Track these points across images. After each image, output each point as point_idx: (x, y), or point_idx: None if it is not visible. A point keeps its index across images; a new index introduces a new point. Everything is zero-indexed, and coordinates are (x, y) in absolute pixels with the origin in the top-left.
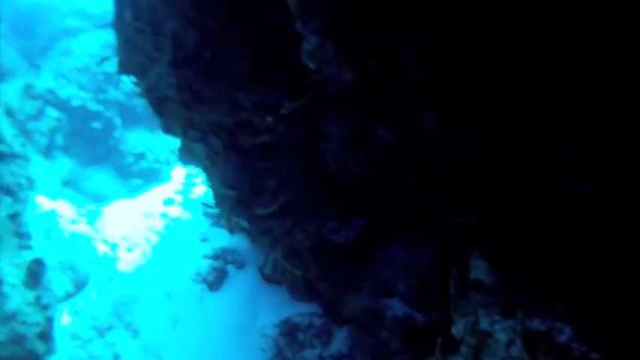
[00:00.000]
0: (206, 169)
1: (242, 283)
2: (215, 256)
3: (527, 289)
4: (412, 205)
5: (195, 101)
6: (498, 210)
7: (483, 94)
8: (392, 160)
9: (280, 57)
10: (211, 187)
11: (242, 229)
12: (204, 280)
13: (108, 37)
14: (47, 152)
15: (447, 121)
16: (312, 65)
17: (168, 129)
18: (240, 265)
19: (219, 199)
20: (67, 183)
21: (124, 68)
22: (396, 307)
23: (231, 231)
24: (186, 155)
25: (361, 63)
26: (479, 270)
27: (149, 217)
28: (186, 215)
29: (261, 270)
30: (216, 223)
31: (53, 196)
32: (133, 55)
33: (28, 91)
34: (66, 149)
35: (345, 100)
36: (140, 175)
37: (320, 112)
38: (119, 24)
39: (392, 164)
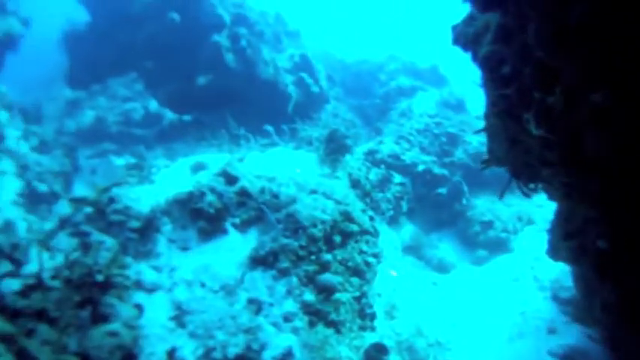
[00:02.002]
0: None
1: None
2: (564, 357)
3: None
4: None
5: None
6: None
7: None
8: None
9: None
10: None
11: None
12: None
13: (442, 94)
14: (392, 220)
15: None
16: None
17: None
18: None
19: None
20: (409, 249)
21: (497, 160)
22: None
23: None
24: (557, 255)
25: None
26: None
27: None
28: (534, 296)
29: None
30: (574, 320)
31: (395, 265)
32: (510, 149)
33: (372, 157)
34: (409, 214)
35: None
36: (486, 246)
37: None
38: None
39: None
